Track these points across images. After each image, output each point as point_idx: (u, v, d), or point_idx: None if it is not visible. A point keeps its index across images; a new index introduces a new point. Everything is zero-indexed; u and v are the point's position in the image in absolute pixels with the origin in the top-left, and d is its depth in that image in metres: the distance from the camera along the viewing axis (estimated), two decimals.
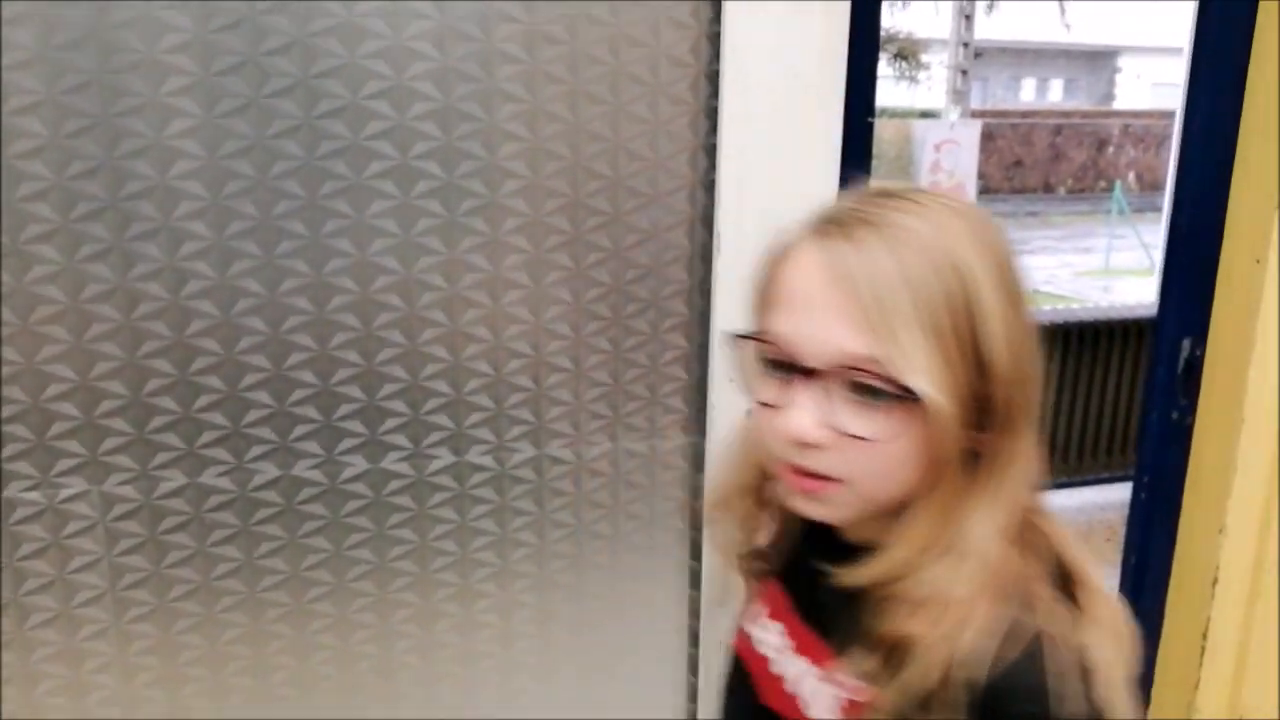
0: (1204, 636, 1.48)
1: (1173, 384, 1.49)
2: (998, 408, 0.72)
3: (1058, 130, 17.23)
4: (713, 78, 1.08)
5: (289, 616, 1.10)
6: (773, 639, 0.88)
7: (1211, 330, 1.45)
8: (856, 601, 0.77)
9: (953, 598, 0.73)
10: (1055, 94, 23.43)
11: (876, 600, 0.76)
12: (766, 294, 0.77)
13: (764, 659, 0.87)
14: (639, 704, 1.25)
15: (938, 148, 4.17)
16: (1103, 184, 16.96)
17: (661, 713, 1.27)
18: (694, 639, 1.25)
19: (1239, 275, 1.40)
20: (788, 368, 0.73)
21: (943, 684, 0.71)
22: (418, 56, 0.99)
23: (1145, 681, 1.56)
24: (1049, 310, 4.87)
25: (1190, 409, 1.48)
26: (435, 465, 1.10)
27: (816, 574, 0.82)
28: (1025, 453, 0.76)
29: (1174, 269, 1.45)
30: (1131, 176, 17.45)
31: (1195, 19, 1.39)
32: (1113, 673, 0.72)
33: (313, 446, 1.05)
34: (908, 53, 10.71)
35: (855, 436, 0.71)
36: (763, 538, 0.91)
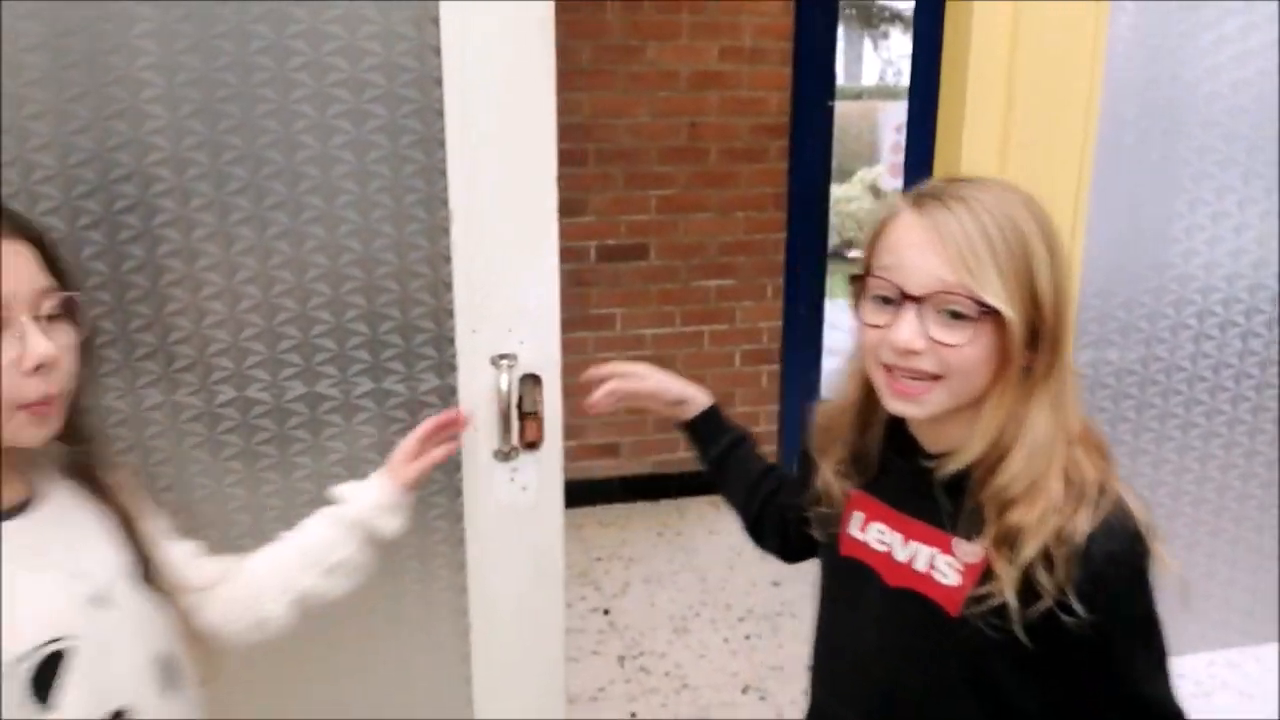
0: None
1: None
2: (1045, 333, 0.99)
3: None
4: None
5: None
6: (884, 536, 1.11)
7: None
8: (955, 493, 1.03)
9: (1039, 487, 0.97)
10: None
11: (977, 494, 1.01)
12: (876, 249, 1.03)
13: (884, 552, 1.11)
14: None
15: (898, 129, 4.28)
16: None
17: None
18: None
19: None
20: (892, 299, 0.99)
21: (1046, 554, 0.96)
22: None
23: None
24: None
25: None
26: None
27: (913, 476, 1.07)
28: (1068, 371, 1.02)
29: None
30: None
31: None
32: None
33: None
34: None
35: (945, 344, 0.97)
36: (849, 453, 1.15)
